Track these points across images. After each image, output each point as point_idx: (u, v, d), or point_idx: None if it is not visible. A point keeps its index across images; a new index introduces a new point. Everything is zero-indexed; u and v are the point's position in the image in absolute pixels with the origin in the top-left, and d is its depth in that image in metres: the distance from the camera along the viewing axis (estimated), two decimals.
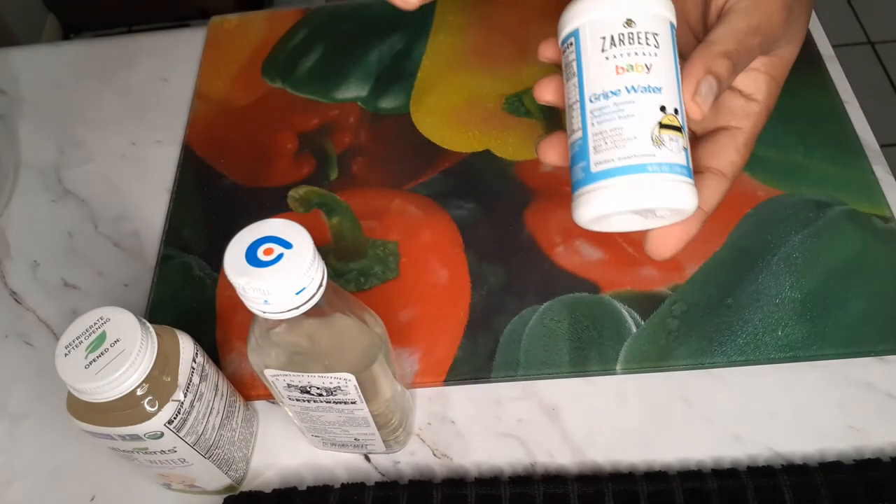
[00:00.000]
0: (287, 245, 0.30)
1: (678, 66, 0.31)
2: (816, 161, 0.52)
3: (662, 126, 0.29)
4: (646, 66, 0.30)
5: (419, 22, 0.64)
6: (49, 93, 0.66)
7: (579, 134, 0.31)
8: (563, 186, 0.53)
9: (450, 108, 0.59)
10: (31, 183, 0.60)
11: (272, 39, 0.66)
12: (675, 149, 0.29)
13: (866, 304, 0.46)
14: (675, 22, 0.32)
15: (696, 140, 0.35)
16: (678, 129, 0.30)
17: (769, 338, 0.45)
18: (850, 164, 0.52)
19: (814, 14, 0.60)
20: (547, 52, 0.35)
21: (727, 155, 0.34)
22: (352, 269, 0.51)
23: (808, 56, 0.58)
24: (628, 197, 0.29)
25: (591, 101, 0.30)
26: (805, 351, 0.44)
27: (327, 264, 0.32)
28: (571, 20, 0.32)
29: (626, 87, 0.30)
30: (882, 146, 0.53)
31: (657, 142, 0.29)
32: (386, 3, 0.68)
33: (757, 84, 0.34)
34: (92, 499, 0.44)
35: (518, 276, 0.49)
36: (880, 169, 0.51)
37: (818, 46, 0.58)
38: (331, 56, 0.63)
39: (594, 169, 0.30)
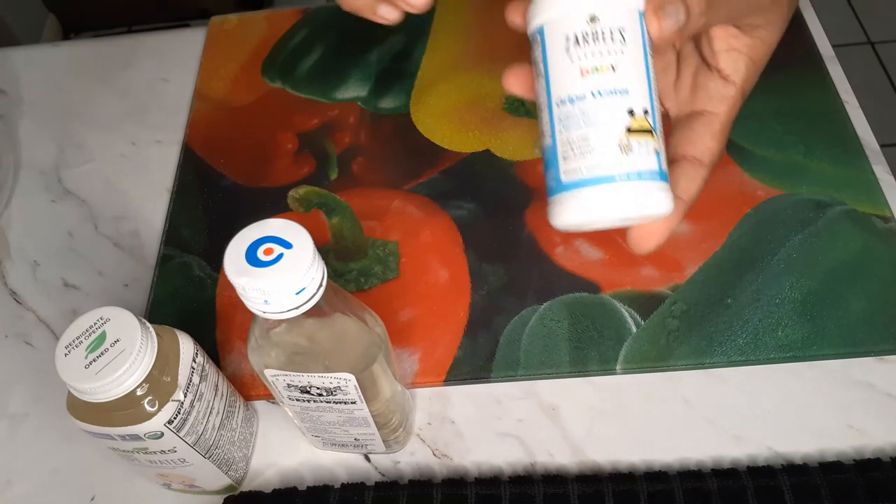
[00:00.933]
0: (287, 245, 0.30)
1: (649, 59, 0.30)
2: (816, 161, 0.52)
3: (630, 131, 0.28)
4: (611, 66, 0.29)
5: (419, 22, 0.64)
6: (49, 93, 0.66)
7: (549, 140, 0.30)
8: None
9: (450, 108, 0.59)
10: (31, 183, 0.60)
11: (272, 39, 0.66)
12: (644, 153, 0.29)
13: (866, 304, 0.46)
14: (644, 8, 0.30)
15: (672, 124, 0.35)
16: (648, 131, 0.29)
17: (769, 338, 0.45)
18: (850, 164, 0.52)
19: (814, 14, 0.60)
20: (516, 18, 0.32)
21: (703, 142, 0.33)
22: (352, 269, 0.51)
23: (808, 56, 0.58)
24: (597, 208, 0.29)
25: (557, 105, 0.29)
26: (805, 351, 0.44)
27: (327, 264, 0.32)
28: (536, 16, 0.30)
29: (592, 92, 0.29)
30: (882, 146, 0.53)
31: (625, 149, 0.28)
32: None
33: (736, 65, 0.33)
34: (92, 499, 0.44)
35: (518, 276, 0.49)
36: (880, 169, 0.51)
37: (818, 46, 0.58)
38: (331, 56, 0.63)
39: (563, 178, 0.29)
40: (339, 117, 0.60)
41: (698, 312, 0.47)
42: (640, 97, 0.29)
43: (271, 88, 0.62)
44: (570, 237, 0.50)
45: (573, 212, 0.29)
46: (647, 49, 0.30)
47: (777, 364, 0.45)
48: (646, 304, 0.47)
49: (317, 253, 0.30)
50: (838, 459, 0.41)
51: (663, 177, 0.29)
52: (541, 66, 0.30)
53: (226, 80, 0.63)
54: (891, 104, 1.53)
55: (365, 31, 0.65)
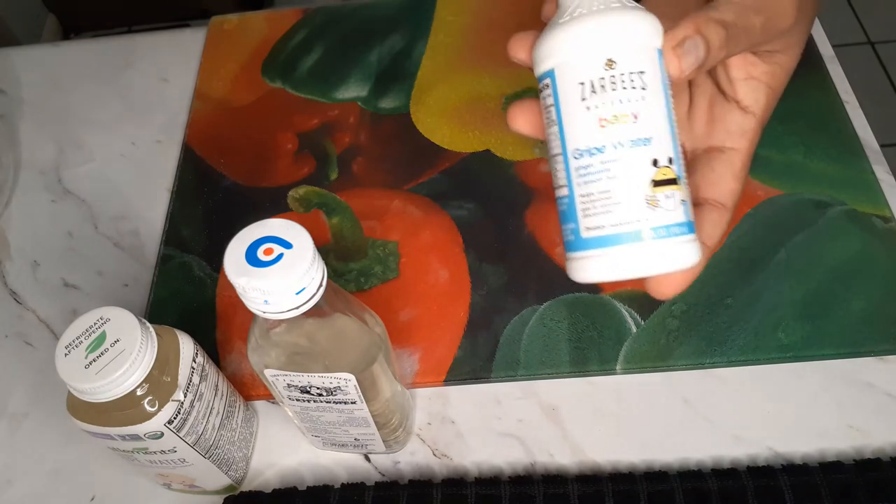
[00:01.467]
0: (287, 245, 0.30)
1: (670, 101, 0.27)
2: (816, 161, 0.52)
3: (656, 183, 0.26)
4: (632, 114, 0.26)
5: (419, 22, 0.64)
6: (49, 93, 0.66)
7: (565, 192, 0.28)
8: None
9: (450, 108, 0.59)
10: (31, 183, 0.60)
11: (272, 39, 0.66)
12: (671, 206, 0.26)
13: (866, 304, 0.46)
14: (662, 46, 0.28)
15: (689, 160, 0.33)
16: (674, 181, 0.27)
17: (769, 338, 0.45)
18: (850, 164, 0.52)
19: None
20: (520, 52, 0.30)
21: (726, 183, 0.32)
22: (352, 269, 0.51)
23: (808, 56, 0.58)
24: (624, 268, 0.27)
25: (574, 157, 0.27)
26: (805, 351, 0.44)
27: (327, 264, 0.32)
28: (545, 58, 0.28)
29: (612, 144, 0.26)
30: (882, 146, 0.53)
31: (651, 203, 0.26)
32: (385, 3, 0.69)
33: (756, 95, 0.32)
34: (92, 499, 0.44)
35: (518, 276, 0.49)
36: (880, 169, 0.51)
37: (818, 46, 0.58)
38: (331, 56, 0.63)
39: (584, 234, 0.27)
40: (339, 117, 0.60)
41: (698, 312, 0.47)
42: (664, 145, 0.27)
43: (271, 88, 0.62)
44: None
45: (598, 271, 0.27)
46: (668, 90, 0.27)
47: (777, 364, 0.45)
48: (646, 304, 0.47)
49: (317, 253, 0.30)
50: (838, 459, 0.41)
51: (690, 227, 0.27)
52: (553, 113, 0.28)
53: (226, 80, 0.63)
54: (891, 104, 1.53)
55: (365, 31, 0.65)
